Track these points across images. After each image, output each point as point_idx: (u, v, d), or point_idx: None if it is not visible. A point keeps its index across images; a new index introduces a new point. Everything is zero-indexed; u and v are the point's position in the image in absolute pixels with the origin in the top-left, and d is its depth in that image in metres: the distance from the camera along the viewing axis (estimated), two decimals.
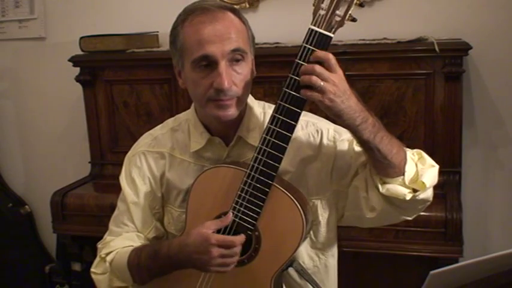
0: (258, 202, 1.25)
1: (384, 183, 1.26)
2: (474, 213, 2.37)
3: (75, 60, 2.53)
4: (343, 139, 1.35)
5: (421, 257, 2.05)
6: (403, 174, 1.25)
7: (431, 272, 0.85)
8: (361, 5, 1.20)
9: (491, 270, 0.92)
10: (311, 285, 1.35)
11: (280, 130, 1.21)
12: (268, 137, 1.22)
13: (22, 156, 3.06)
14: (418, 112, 2.20)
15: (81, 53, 2.53)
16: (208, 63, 1.26)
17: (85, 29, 2.63)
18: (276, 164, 1.22)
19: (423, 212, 1.37)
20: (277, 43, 2.38)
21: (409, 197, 1.25)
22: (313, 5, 1.17)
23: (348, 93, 1.16)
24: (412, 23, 2.32)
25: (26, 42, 2.89)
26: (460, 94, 2.17)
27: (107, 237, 1.47)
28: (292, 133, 1.21)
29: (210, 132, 1.38)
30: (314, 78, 1.13)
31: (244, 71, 1.29)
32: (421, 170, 1.27)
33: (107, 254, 1.41)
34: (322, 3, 1.16)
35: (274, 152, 1.22)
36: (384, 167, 1.24)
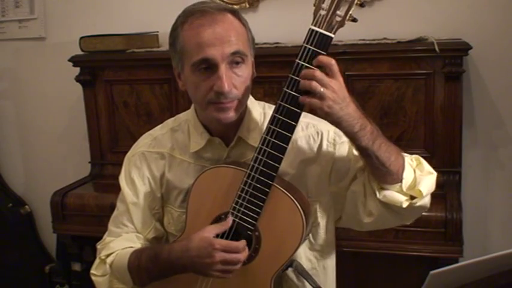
0: (258, 202, 1.25)
1: (381, 189, 1.27)
2: (474, 213, 2.37)
3: (75, 60, 2.53)
4: (343, 141, 1.35)
5: (421, 257, 2.05)
6: (401, 181, 1.25)
7: (431, 272, 0.85)
8: (361, 5, 1.20)
9: (491, 270, 0.92)
10: (311, 285, 1.35)
11: (280, 130, 1.21)
12: (268, 137, 1.22)
13: (22, 156, 3.06)
14: (418, 112, 2.20)
15: (81, 53, 2.53)
16: (208, 66, 1.25)
17: (85, 29, 2.63)
18: (276, 164, 1.22)
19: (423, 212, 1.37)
20: (277, 43, 2.38)
21: (405, 204, 1.26)
22: (314, 5, 1.17)
23: (347, 100, 1.16)
24: (412, 23, 2.32)
25: (26, 42, 2.89)
26: (460, 94, 2.17)
27: (106, 237, 1.46)
28: (292, 133, 1.21)
29: (210, 132, 1.38)
30: (314, 84, 1.13)
31: (244, 73, 1.29)
32: (418, 177, 1.27)
33: (107, 256, 1.40)
34: (323, 3, 1.16)
35: (274, 152, 1.22)
36: (382, 174, 1.24)
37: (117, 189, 1.48)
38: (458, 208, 2.01)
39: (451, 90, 2.16)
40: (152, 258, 1.32)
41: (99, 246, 1.46)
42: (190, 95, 1.35)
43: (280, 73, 2.13)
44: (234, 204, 1.27)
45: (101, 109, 2.57)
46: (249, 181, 1.24)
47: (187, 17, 1.29)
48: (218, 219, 1.30)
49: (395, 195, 1.26)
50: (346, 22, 1.16)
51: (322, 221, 1.40)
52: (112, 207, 1.50)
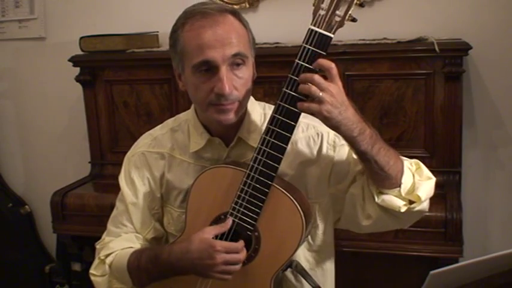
0: (258, 202, 1.24)
1: (380, 193, 1.27)
2: (474, 213, 2.37)
3: (75, 60, 2.53)
4: (343, 144, 1.35)
5: (421, 257, 2.05)
6: (400, 186, 1.25)
7: (431, 272, 0.85)
8: (361, 5, 1.20)
9: (491, 270, 0.92)
10: (310, 285, 1.35)
11: (279, 130, 1.21)
12: (267, 138, 1.22)
13: (22, 156, 3.06)
14: (418, 112, 2.20)
15: (81, 53, 2.53)
16: (209, 68, 1.25)
17: (85, 29, 2.63)
18: (276, 165, 1.22)
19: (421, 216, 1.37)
20: (277, 43, 2.38)
21: (404, 209, 1.26)
22: (313, 5, 1.17)
23: (346, 104, 1.16)
24: (412, 23, 2.32)
25: (26, 42, 2.89)
26: (460, 94, 2.17)
27: (105, 237, 1.46)
28: (291, 133, 1.21)
29: (210, 132, 1.38)
30: (313, 88, 1.13)
31: (245, 75, 1.28)
32: (417, 182, 1.27)
33: (106, 256, 1.40)
34: (322, 3, 1.16)
35: (273, 152, 1.22)
36: (381, 178, 1.24)
37: (117, 189, 1.48)
38: (458, 208, 2.01)
39: (451, 90, 2.15)
40: (152, 259, 1.32)
41: (98, 246, 1.46)
42: (190, 96, 1.35)
43: (280, 73, 2.12)
44: (233, 205, 1.27)
45: (101, 109, 2.57)
46: (249, 181, 1.24)
47: (187, 18, 1.28)
48: (218, 219, 1.30)
49: (393, 200, 1.26)
50: (345, 22, 1.16)
51: (321, 222, 1.40)
52: (112, 207, 1.50)
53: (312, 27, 1.16)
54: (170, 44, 1.33)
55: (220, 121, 1.29)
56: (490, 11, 2.27)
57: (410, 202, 1.27)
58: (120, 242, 1.42)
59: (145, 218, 1.44)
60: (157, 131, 1.49)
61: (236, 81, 1.27)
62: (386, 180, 1.24)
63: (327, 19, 1.16)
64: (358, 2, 1.21)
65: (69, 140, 2.91)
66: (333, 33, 1.16)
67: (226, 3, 2.46)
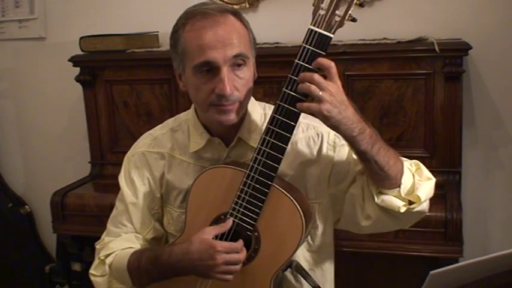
0: (257, 203, 1.24)
1: (379, 193, 1.27)
2: (474, 213, 2.37)
3: (75, 60, 2.53)
4: (343, 144, 1.35)
5: (421, 257, 2.05)
6: (399, 186, 1.25)
7: (431, 272, 0.85)
8: (361, 5, 1.20)
9: (491, 270, 0.92)
10: (310, 285, 1.35)
11: (279, 131, 1.21)
12: (267, 138, 1.22)
13: (22, 156, 3.06)
14: (418, 112, 2.20)
15: (81, 53, 2.53)
16: (210, 69, 1.25)
17: (85, 29, 2.63)
18: (276, 165, 1.22)
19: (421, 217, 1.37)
20: (277, 43, 2.38)
21: (403, 209, 1.26)
22: (313, 5, 1.17)
23: (346, 103, 1.16)
24: (412, 23, 2.32)
25: (26, 42, 2.89)
26: (460, 94, 2.17)
27: (105, 237, 1.46)
28: (291, 134, 1.21)
29: (210, 132, 1.38)
30: (313, 87, 1.13)
31: (246, 75, 1.28)
32: (417, 183, 1.27)
33: (106, 256, 1.40)
34: (322, 3, 1.16)
35: (273, 152, 1.22)
36: (381, 178, 1.24)
37: (117, 189, 1.48)
38: (458, 208, 2.01)
39: (451, 90, 2.15)
40: (152, 260, 1.32)
41: (98, 246, 1.46)
42: (191, 97, 1.35)
43: (280, 73, 2.12)
44: (233, 205, 1.27)
45: (101, 109, 2.57)
46: (248, 181, 1.24)
47: (188, 18, 1.28)
48: (218, 220, 1.30)
49: (393, 200, 1.26)
50: (345, 22, 1.16)
51: (320, 222, 1.40)
52: (112, 207, 1.50)
53: (312, 27, 1.16)
54: (171, 44, 1.33)
55: (221, 121, 1.29)
56: (490, 11, 2.27)
57: (410, 202, 1.27)
58: (120, 242, 1.42)
59: (145, 218, 1.44)
60: (158, 131, 1.49)
61: (237, 82, 1.27)
62: (386, 181, 1.24)
63: (326, 19, 1.16)
64: (357, 2, 1.21)
65: (69, 140, 2.91)
66: (333, 33, 1.16)
67: (227, 3, 2.46)
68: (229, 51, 1.24)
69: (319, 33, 1.16)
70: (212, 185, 1.31)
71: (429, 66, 2.16)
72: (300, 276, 1.37)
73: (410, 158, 1.34)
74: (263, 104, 1.44)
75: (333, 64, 1.15)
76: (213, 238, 1.25)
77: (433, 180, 1.31)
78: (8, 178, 3.06)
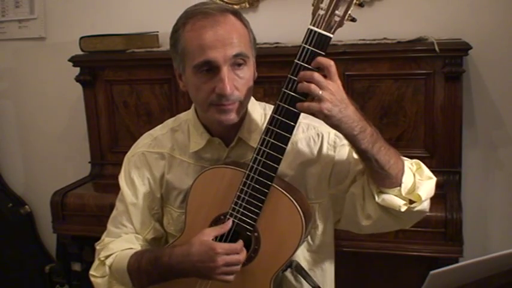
0: (257, 203, 1.24)
1: (380, 192, 1.27)
2: (474, 213, 2.37)
3: (75, 60, 2.53)
4: (343, 144, 1.35)
5: (421, 257, 2.05)
6: (400, 185, 1.25)
7: (431, 272, 0.85)
8: (360, 5, 1.20)
9: (491, 270, 0.92)
10: (310, 285, 1.35)
11: (279, 131, 1.21)
12: (267, 138, 1.22)
13: (22, 156, 3.06)
14: (418, 112, 2.20)
15: (81, 53, 2.53)
16: (210, 68, 1.25)
17: (85, 29, 2.63)
18: (275, 165, 1.22)
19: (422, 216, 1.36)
20: (277, 43, 2.38)
21: (404, 208, 1.26)
22: (312, 5, 1.17)
23: (346, 102, 1.16)
24: (412, 23, 2.32)
25: (26, 42, 2.89)
26: (460, 94, 2.17)
27: (105, 238, 1.46)
28: (291, 134, 1.21)
29: (210, 133, 1.38)
30: (313, 86, 1.13)
31: (246, 75, 1.28)
32: (418, 182, 1.27)
33: (106, 257, 1.40)
34: (321, 3, 1.15)
35: (273, 152, 1.21)
36: (381, 177, 1.24)
37: (117, 189, 1.48)
38: (458, 208, 2.01)
39: (451, 90, 2.15)
40: (152, 262, 1.32)
41: (98, 246, 1.46)
42: (191, 97, 1.34)
43: (280, 73, 2.12)
44: (233, 205, 1.27)
45: (101, 109, 2.57)
46: (248, 182, 1.24)
47: (188, 18, 1.28)
48: (217, 220, 1.30)
49: (394, 199, 1.26)
50: (345, 22, 1.16)
51: (320, 222, 1.39)
52: (112, 207, 1.50)
53: (311, 27, 1.16)
54: (171, 44, 1.33)
55: (221, 121, 1.29)
56: (490, 11, 2.26)
57: (411, 202, 1.27)
58: (120, 243, 1.42)
59: (145, 218, 1.44)
60: (158, 131, 1.49)
61: (237, 82, 1.27)
62: (387, 180, 1.24)
63: (326, 19, 1.15)
64: (357, 1, 1.21)
65: (69, 140, 2.91)
66: (332, 33, 1.16)
67: (227, 3, 2.46)
68: (230, 51, 1.24)
69: (319, 33, 1.16)
70: (212, 185, 1.31)
71: (429, 66, 2.16)
72: (300, 276, 1.37)
73: (410, 158, 1.34)
74: (263, 104, 1.44)
75: (332, 63, 1.15)
76: (213, 239, 1.25)
77: (434, 179, 1.31)
78: (8, 178, 3.06)
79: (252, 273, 1.29)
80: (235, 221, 1.27)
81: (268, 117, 1.31)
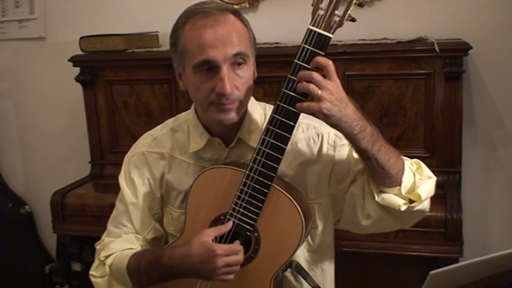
0: (257, 203, 1.24)
1: (380, 192, 1.27)
2: (474, 213, 2.37)
3: (75, 60, 2.53)
4: (343, 144, 1.35)
5: (421, 257, 2.05)
6: (400, 185, 1.25)
7: (431, 272, 0.85)
8: (360, 5, 1.20)
9: (491, 270, 0.92)
10: (310, 285, 1.35)
11: (278, 131, 1.20)
12: (267, 138, 1.22)
13: (22, 156, 3.06)
14: (418, 112, 2.20)
15: (81, 53, 2.53)
16: (210, 68, 1.25)
17: (85, 29, 2.63)
18: (275, 165, 1.22)
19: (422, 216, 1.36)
20: (277, 43, 2.38)
21: (403, 208, 1.26)
22: (312, 5, 1.17)
23: (346, 101, 1.16)
24: (412, 23, 2.32)
25: (26, 42, 2.89)
26: (460, 94, 2.17)
27: (105, 238, 1.46)
28: (291, 134, 1.21)
29: (210, 133, 1.38)
30: (312, 86, 1.13)
31: (246, 74, 1.28)
32: (418, 181, 1.27)
33: (106, 257, 1.40)
34: (321, 3, 1.15)
35: (273, 152, 1.21)
36: (381, 177, 1.24)
37: (117, 189, 1.48)
38: (458, 208, 2.01)
39: (451, 90, 2.15)
40: (152, 262, 1.32)
41: (98, 246, 1.46)
42: (191, 96, 1.34)
43: (280, 73, 2.11)
44: (233, 205, 1.27)
45: (101, 109, 2.57)
46: (248, 182, 1.24)
47: (188, 17, 1.28)
48: (217, 220, 1.30)
49: (393, 198, 1.26)
50: (344, 22, 1.16)
51: (320, 222, 1.39)
52: (112, 207, 1.50)
53: (311, 27, 1.16)
54: (171, 43, 1.33)
55: (221, 120, 1.29)
56: (490, 11, 2.26)
57: (411, 201, 1.27)
58: (120, 243, 1.42)
59: (145, 218, 1.44)
60: (158, 131, 1.49)
61: (237, 81, 1.27)
62: (387, 179, 1.24)
63: (325, 19, 1.15)
64: (357, 1, 1.21)
65: (69, 140, 2.91)
66: (332, 33, 1.16)
67: (227, 3, 2.46)
68: (229, 50, 1.24)
69: (319, 33, 1.16)
70: (212, 185, 1.31)
71: (429, 66, 2.16)
72: (300, 276, 1.37)
73: (411, 158, 1.34)
74: (263, 104, 1.44)
75: (330, 62, 1.15)
76: (213, 240, 1.25)
77: (434, 179, 1.31)
78: (8, 178, 3.06)
79: (252, 273, 1.29)
80: (235, 221, 1.27)
81: (268, 117, 1.31)
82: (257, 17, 2.50)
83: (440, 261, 1.97)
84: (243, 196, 1.25)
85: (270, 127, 1.21)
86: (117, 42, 2.50)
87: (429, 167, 1.33)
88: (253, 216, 1.25)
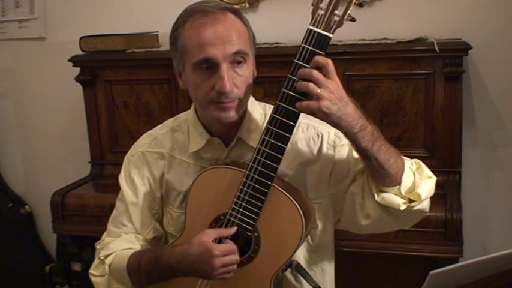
0: (257, 203, 1.24)
1: (379, 191, 1.27)
2: (474, 213, 2.37)
3: (75, 60, 2.53)
4: (343, 144, 1.35)
5: (421, 257, 2.05)
6: (400, 184, 1.25)
7: (431, 272, 0.85)
8: (360, 5, 1.20)
9: (491, 270, 0.92)
10: (310, 285, 1.35)
11: (278, 131, 1.20)
12: (267, 138, 1.22)
13: (22, 156, 3.06)
14: (418, 112, 2.20)
15: (81, 53, 2.53)
16: (210, 66, 1.25)
17: (85, 29, 2.63)
18: (275, 165, 1.22)
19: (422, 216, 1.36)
20: (277, 43, 2.38)
21: (403, 207, 1.25)
22: (312, 4, 1.17)
23: (345, 100, 1.15)
24: (412, 23, 2.32)
25: (26, 42, 2.89)
26: (460, 94, 2.17)
27: (105, 238, 1.46)
28: (291, 134, 1.21)
29: (210, 133, 1.38)
30: (311, 85, 1.13)
31: (245, 72, 1.28)
32: (418, 181, 1.27)
33: (106, 256, 1.40)
34: (321, 3, 1.15)
35: (272, 152, 1.21)
36: (381, 176, 1.24)
37: (117, 189, 1.48)
38: (458, 208, 2.00)
39: (451, 90, 2.15)
40: (152, 262, 1.32)
41: (98, 246, 1.46)
42: (191, 95, 1.35)
43: (280, 73, 2.12)
44: (233, 205, 1.27)
45: (101, 109, 2.57)
46: (248, 182, 1.24)
47: (188, 16, 1.28)
48: (217, 220, 1.30)
49: (393, 198, 1.25)
50: (344, 22, 1.16)
51: (320, 222, 1.39)
52: (112, 207, 1.50)
53: (311, 27, 1.16)
54: (171, 42, 1.33)
55: (220, 119, 1.29)
56: (490, 11, 2.26)
57: (410, 201, 1.27)
58: (120, 243, 1.42)
59: (145, 218, 1.44)
60: (158, 131, 1.49)
61: (237, 79, 1.27)
62: (387, 178, 1.24)
63: (325, 19, 1.15)
64: (357, 1, 1.21)
65: (69, 140, 2.91)
66: (332, 33, 1.16)
67: (227, 3, 2.46)
68: (229, 48, 1.24)
69: (318, 33, 1.16)
70: (212, 185, 1.31)
71: (429, 66, 2.16)
72: (300, 276, 1.37)
73: (411, 158, 1.34)
74: (263, 104, 1.44)
75: (329, 61, 1.15)
76: (212, 241, 1.25)
77: (434, 178, 1.31)
78: (8, 178, 3.06)
79: (252, 273, 1.29)
80: (235, 221, 1.27)
81: (268, 117, 1.31)
82: (257, 17, 2.50)
83: (440, 261, 1.96)
84: (243, 196, 1.25)
85: (270, 127, 1.21)
86: (117, 42, 2.50)
87: (429, 167, 1.33)
88: (253, 216, 1.25)
